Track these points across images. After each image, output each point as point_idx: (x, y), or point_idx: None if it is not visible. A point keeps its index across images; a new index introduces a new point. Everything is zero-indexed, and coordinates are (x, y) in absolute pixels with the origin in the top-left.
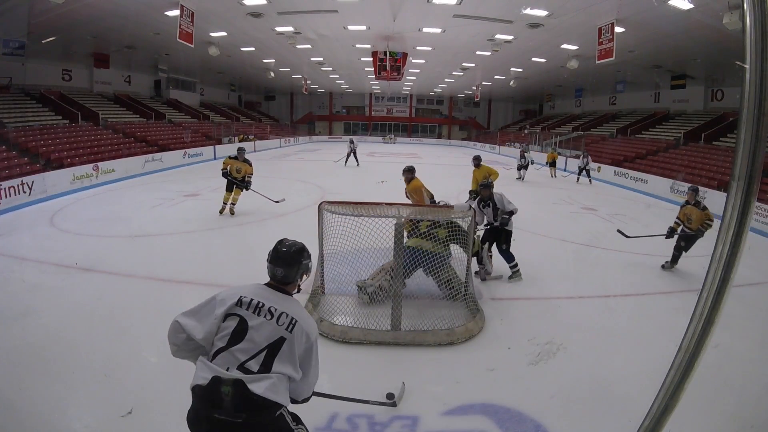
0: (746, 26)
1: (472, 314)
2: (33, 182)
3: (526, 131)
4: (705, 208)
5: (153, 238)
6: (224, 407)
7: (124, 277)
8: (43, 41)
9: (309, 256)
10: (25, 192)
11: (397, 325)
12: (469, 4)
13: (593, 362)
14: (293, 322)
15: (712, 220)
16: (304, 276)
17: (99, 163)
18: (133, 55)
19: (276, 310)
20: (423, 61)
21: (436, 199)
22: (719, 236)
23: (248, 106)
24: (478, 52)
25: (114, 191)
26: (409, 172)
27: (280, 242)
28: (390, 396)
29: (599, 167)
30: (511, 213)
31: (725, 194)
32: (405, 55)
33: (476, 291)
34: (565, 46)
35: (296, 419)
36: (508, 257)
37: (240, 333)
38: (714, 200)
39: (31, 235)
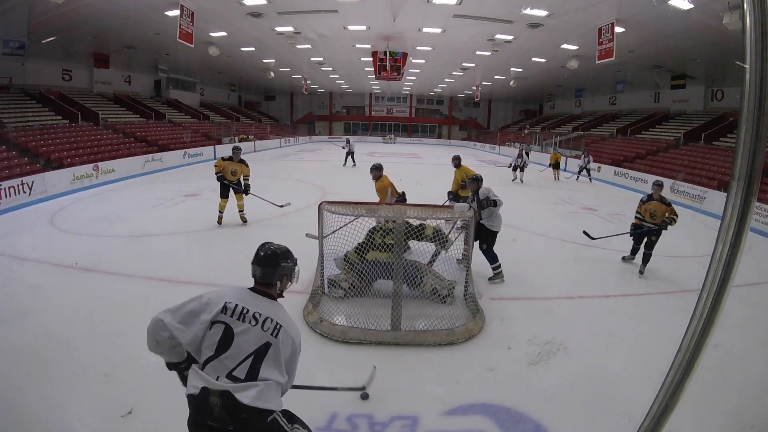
0: (746, 26)
1: (472, 314)
2: (33, 182)
3: (526, 131)
4: (670, 204)
5: (153, 238)
6: (215, 416)
7: (124, 277)
8: (43, 41)
9: (293, 260)
10: (25, 192)
11: (397, 325)
12: (469, 4)
13: (593, 362)
14: (278, 327)
15: (677, 216)
16: (288, 281)
17: (99, 163)
18: (133, 55)
19: (260, 315)
20: (423, 61)
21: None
22: (719, 236)
23: (248, 106)
24: (478, 52)
25: (114, 191)
26: (377, 170)
27: (263, 244)
28: (364, 395)
29: (599, 167)
30: (494, 203)
31: (725, 194)
32: (405, 55)
33: (476, 291)
34: (565, 46)
35: (291, 419)
36: (490, 258)
37: (226, 340)
38: (714, 200)
39: (31, 235)
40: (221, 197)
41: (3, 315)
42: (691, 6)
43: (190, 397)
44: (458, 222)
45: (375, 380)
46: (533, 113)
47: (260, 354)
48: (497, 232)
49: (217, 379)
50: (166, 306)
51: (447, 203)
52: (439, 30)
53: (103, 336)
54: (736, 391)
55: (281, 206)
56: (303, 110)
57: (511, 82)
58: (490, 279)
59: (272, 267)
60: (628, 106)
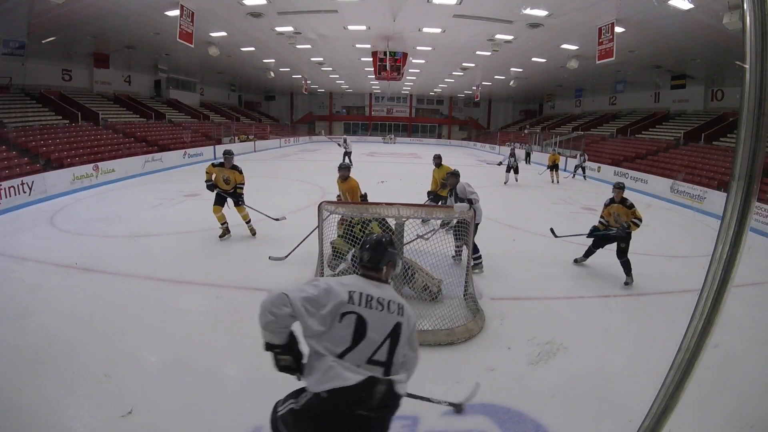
0: (746, 26)
1: (472, 314)
2: (33, 182)
3: (526, 131)
4: (632, 206)
5: (153, 238)
6: (371, 404)
7: (124, 277)
8: (43, 41)
9: (396, 249)
10: (25, 192)
11: None
12: (469, 4)
13: (593, 362)
14: (401, 306)
15: (641, 219)
16: (392, 269)
17: (99, 163)
18: (133, 55)
19: (384, 299)
20: (423, 61)
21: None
22: (719, 236)
23: (248, 106)
24: (478, 52)
25: (114, 191)
26: (345, 170)
27: (368, 234)
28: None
29: (599, 167)
30: (470, 202)
31: (725, 194)
32: (405, 55)
33: (476, 291)
34: (565, 46)
35: None
36: (472, 248)
37: (361, 329)
38: (714, 200)
39: (31, 235)
40: (215, 204)
41: (3, 315)
42: (691, 6)
43: (341, 390)
44: (437, 222)
45: None
46: (533, 113)
47: (395, 335)
48: (478, 224)
49: (357, 367)
50: (166, 306)
51: (427, 203)
52: (439, 30)
53: (102, 336)
54: (736, 391)
55: (276, 219)
56: (303, 110)
57: (511, 82)
58: (472, 267)
59: (381, 252)
60: (628, 106)
